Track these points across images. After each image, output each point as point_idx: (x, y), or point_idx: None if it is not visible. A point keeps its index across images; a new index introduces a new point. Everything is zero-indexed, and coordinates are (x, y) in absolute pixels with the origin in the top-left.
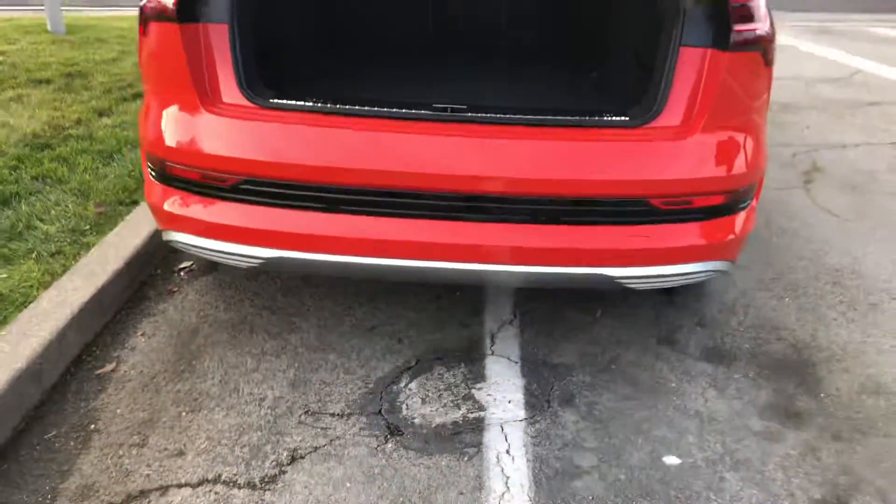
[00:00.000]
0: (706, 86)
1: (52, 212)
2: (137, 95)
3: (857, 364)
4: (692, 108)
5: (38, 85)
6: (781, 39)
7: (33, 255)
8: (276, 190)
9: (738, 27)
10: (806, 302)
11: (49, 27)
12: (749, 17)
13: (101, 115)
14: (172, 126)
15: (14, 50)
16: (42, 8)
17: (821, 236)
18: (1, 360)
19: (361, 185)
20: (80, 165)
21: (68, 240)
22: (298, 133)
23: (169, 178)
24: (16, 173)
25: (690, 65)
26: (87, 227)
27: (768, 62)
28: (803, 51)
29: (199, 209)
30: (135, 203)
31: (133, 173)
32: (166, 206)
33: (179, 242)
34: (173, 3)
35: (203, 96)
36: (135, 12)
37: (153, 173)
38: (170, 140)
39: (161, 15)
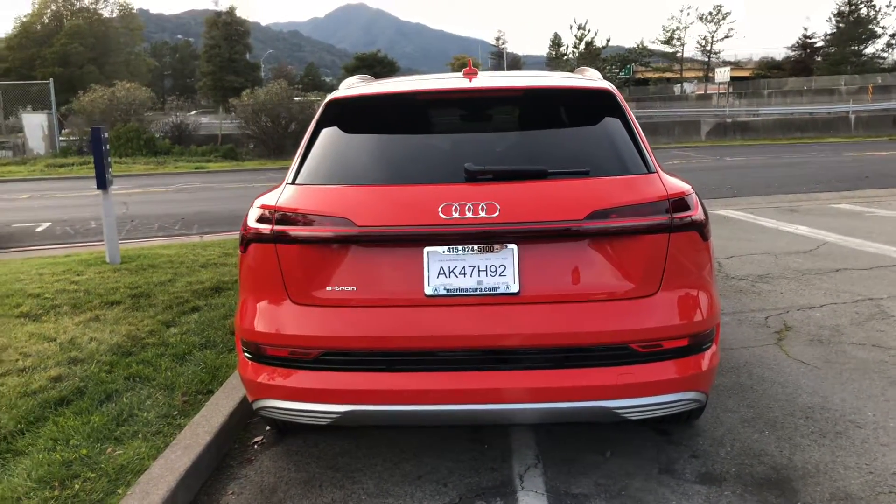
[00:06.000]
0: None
1: (147, 402)
2: (195, 309)
3: (827, 479)
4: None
5: (110, 306)
6: (757, 220)
7: (139, 436)
8: (349, 357)
9: (677, 215)
10: (783, 434)
11: (107, 259)
12: (685, 207)
13: (168, 326)
14: (269, 317)
15: (83, 279)
16: (89, 243)
17: (793, 382)
18: None
19: (412, 348)
20: (161, 366)
21: (164, 423)
22: (367, 314)
23: (263, 357)
24: (111, 375)
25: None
26: (176, 412)
27: (705, 238)
28: (774, 228)
29: (287, 379)
30: (210, 392)
31: (204, 370)
32: (259, 379)
33: (270, 408)
34: (270, 230)
35: (292, 293)
36: (174, 241)
37: (248, 355)
38: (266, 327)
39: (260, 238)
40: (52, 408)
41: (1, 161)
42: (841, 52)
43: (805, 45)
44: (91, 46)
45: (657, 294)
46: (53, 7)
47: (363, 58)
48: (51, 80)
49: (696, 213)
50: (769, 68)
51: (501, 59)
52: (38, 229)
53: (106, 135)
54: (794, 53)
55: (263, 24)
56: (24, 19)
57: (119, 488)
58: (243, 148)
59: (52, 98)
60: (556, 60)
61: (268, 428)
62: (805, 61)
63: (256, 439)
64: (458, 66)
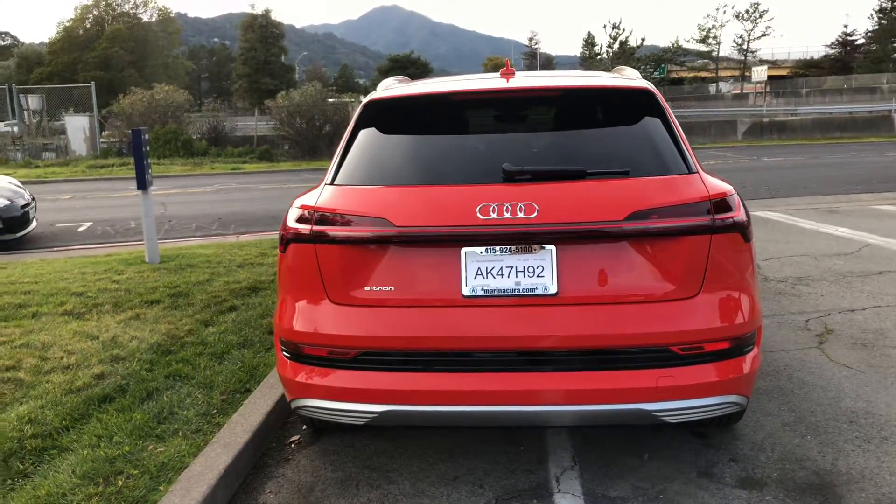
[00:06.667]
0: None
1: (187, 401)
2: (232, 308)
3: (872, 485)
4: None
5: (150, 305)
6: (796, 221)
7: (180, 434)
8: (386, 357)
9: (719, 216)
10: (826, 438)
11: (147, 258)
12: (727, 207)
13: (206, 325)
14: (307, 316)
15: (124, 279)
16: (129, 243)
17: (836, 385)
18: None
19: (449, 349)
20: (200, 365)
21: (203, 421)
22: (404, 314)
23: (301, 357)
24: (151, 373)
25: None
26: (215, 411)
27: (747, 239)
28: (813, 230)
29: (325, 378)
30: (248, 391)
31: (242, 368)
32: (298, 379)
33: (308, 407)
34: (309, 231)
35: (330, 293)
36: (212, 241)
37: (287, 354)
38: (304, 327)
39: (299, 238)
40: (95, 405)
41: (45, 162)
42: (883, 50)
43: (845, 43)
44: (131, 50)
45: (698, 296)
46: (95, 12)
47: (397, 59)
48: (92, 83)
49: (739, 215)
50: (807, 67)
51: (534, 60)
52: (80, 229)
53: (146, 136)
54: (833, 51)
55: (298, 26)
56: (67, 24)
57: (161, 485)
58: (278, 149)
59: (94, 101)
60: (589, 60)
61: (304, 427)
62: (844, 59)
63: (293, 438)
64: (492, 67)
